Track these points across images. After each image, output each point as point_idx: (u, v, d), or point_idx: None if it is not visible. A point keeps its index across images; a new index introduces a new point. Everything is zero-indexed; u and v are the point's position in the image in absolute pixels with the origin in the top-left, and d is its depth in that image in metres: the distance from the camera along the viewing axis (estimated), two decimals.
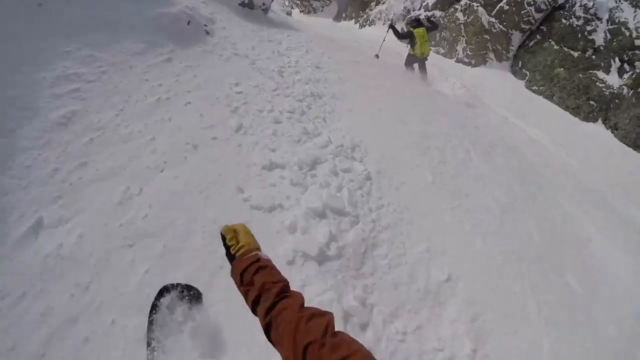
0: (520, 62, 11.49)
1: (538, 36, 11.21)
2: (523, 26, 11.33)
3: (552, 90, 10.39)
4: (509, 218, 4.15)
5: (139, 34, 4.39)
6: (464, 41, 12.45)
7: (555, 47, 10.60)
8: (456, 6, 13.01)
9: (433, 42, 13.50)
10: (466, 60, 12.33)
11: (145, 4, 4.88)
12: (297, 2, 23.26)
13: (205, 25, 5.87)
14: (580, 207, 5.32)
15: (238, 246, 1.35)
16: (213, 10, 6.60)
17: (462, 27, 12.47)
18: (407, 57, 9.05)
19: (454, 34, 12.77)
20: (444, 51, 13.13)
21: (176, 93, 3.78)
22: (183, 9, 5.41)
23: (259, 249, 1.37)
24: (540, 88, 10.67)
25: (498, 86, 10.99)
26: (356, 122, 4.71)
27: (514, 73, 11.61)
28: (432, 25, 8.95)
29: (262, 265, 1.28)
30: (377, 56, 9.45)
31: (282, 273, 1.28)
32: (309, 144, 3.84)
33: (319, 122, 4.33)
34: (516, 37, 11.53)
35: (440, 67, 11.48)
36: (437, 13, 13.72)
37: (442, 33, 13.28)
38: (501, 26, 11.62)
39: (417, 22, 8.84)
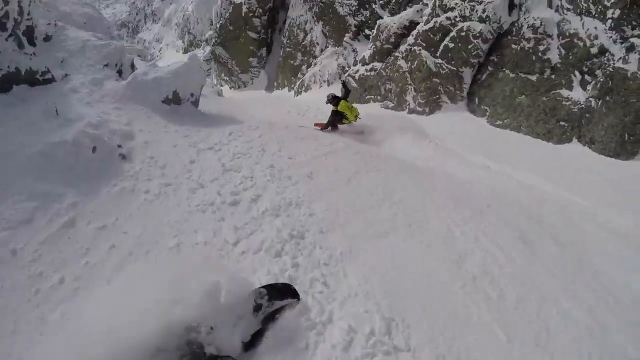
0: (476, 99, 10.80)
1: (490, 67, 10.62)
2: (472, 61, 10.76)
3: (518, 121, 9.63)
4: None
5: (24, 183, 2.97)
6: (412, 90, 11.74)
7: (511, 75, 10.00)
8: (396, 54, 12.38)
9: (379, 98, 12.82)
10: (419, 109, 11.55)
11: (34, 128, 3.47)
12: (225, 78, 22.54)
13: (119, 146, 4.51)
14: None
15: None
16: (129, 117, 5.30)
17: (408, 75, 11.81)
18: (333, 123, 9.20)
19: (400, 84, 12.09)
20: (393, 104, 12.37)
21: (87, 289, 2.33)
22: (84, 128, 4.00)
23: None
24: (505, 121, 9.92)
25: (461, 130, 10.16)
26: (370, 270, 3.32)
27: (472, 111, 10.89)
28: (346, 91, 9.49)
29: None
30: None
31: None
32: (323, 348, 2.41)
33: (319, 293, 2.94)
34: (467, 74, 10.91)
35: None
36: (377, 65, 13.13)
37: (387, 85, 12.62)
38: (449, 65, 11.01)
39: (336, 98, 9.24)
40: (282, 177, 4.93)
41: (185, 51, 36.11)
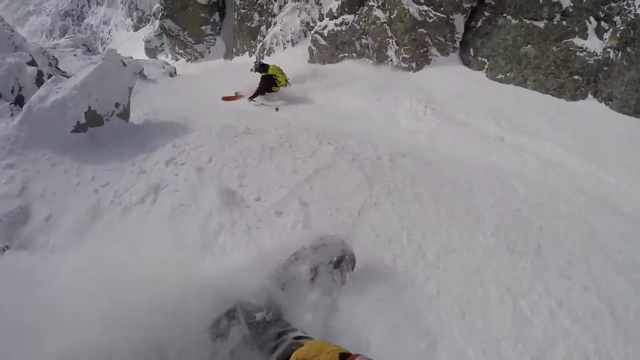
0: (471, 50, 9.11)
1: (486, 13, 8.90)
2: (464, 5, 8.98)
3: (524, 74, 8.07)
4: None
5: None
6: (393, 43, 9.90)
7: (514, 21, 8.30)
8: (370, 3, 10.38)
9: (355, 55, 10.89)
10: (404, 64, 9.76)
11: None
12: (180, 51, 20.21)
13: (3, 249, 2.88)
14: None
15: None
16: (24, 178, 3.67)
17: (387, 27, 9.91)
18: (263, 90, 8.67)
19: (378, 38, 10.19)
20: (372, 62, 10.51)
21: None
22: None
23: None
24: (508, 75, 8.33)
25: (458, 87, 8.54)
26: None
27: (468, 64, 9.22)
28: (262, 67, 8.96)
29: None
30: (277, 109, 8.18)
31: None
32: None
33: None
34: (459, 21, 9.14)
35: (380, 86, 8.85)
36: (348, 18, 11.11)
37: (363, 40, 10.68)
38: (437, 13, 9.19)
39: (263, 65, 8.95)
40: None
41: (136, 29, 33.03)
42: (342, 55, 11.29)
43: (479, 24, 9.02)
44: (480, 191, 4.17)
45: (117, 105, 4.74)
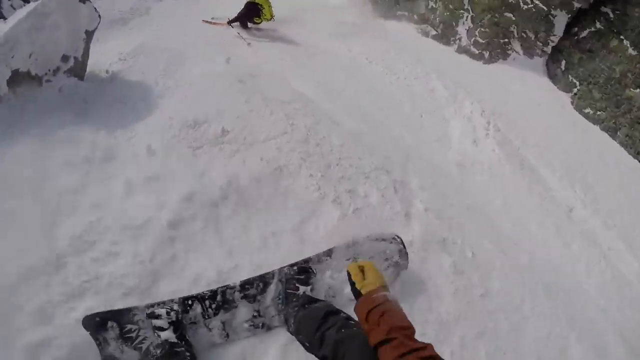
0: (564, 63, 7.13)
1: (598, 23, 6.80)
2: (575, 3, 6.84)
3: (617, 122, 6.28)
4: None
5: None
6: (468, 19, 7.75)
7: (631, 50, 6.30)
8: None
9: (416, 18, 8.66)
10: (474, 50, 7.70)
11: None
12: None
13: None
14: None
15: (364, 283, 1.46)
16: None
17: None
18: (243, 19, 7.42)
19: (450, 6, 7.98)
20: (435, 33, 8.33)
21: None
22: None
23: (386, 288, 1.47)
24: (598, 114, 6.52)
25: (532, 105, 6.67)
26: None
27: (553, 78, 7.28)
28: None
29: (389, 309, 1.36)
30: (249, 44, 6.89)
31: None
32: None
33: None
34: (561, 20, 7.04)
35: (438, 69, 6.87)
36: None
37: (431, 3, 8.39)
38: (537, 0, 7.03)
39: None
40: None
41: None
42: (400, 13, 8.96)
43: (585, 33, 6.94)
44: None
45: (65, 59, 3.22)
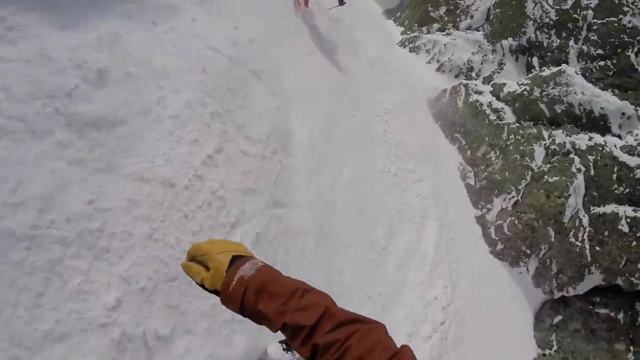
0: (558, 318, 6.06)
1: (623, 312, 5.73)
2: None
3: None
4: None
5: None
6: (511, 198, 6.48)
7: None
8: None
9: (469, 152, 7.28)
10: (495, 236, 6.47)
11: None
12: None
13: None
14: None
15: (213, 272, 0.95)
16: None
17: None
18: None
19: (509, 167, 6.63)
20: (472, 185, 6.97)
21: None
22: None
23: (245, 255, 1.00)
24: None
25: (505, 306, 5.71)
26: None
27: (536, 320, 6.22)
28: None
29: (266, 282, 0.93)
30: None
31: None
32: None
33: None
34: (595, 279, 5.90)
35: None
36: None
37: (491, 150, 6.97)
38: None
39: None
40: None
41: None
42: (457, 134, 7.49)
43: (602, 310, 5.89)
44: None
45: None
